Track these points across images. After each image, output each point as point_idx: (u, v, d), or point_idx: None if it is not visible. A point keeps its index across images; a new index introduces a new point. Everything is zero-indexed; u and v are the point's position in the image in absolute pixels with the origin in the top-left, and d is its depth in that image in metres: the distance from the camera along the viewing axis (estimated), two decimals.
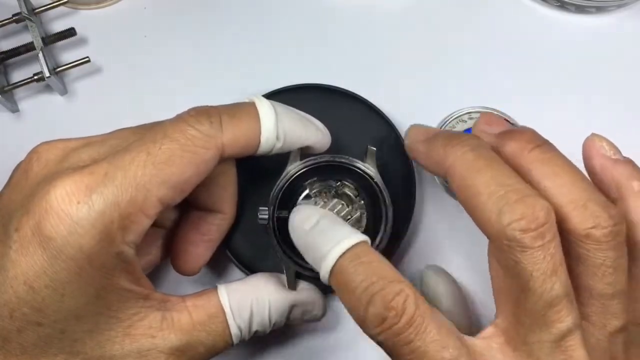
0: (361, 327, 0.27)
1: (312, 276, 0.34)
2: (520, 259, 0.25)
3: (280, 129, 0.31)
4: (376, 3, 0.44)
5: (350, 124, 0.38)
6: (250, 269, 0.37)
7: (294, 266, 0.34)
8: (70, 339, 0.27)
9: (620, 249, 0.26)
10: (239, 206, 0.36)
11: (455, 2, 0.44)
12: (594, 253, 0.26)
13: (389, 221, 0.35)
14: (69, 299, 0.26)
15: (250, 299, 0.31)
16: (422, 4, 0.44)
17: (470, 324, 0.34)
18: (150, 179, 0.27)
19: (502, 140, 0.29)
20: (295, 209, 0.32)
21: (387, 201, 0.35)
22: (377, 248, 0.35)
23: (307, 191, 0.36)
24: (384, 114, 0.39)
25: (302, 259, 0.34)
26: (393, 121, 0.39)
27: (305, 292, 0.34)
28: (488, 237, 0.27)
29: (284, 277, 0.34)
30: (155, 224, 0.31)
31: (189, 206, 0.34)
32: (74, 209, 0.26)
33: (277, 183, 0.35)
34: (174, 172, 0.27)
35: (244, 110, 0.30)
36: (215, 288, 0.31)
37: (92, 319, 0.27)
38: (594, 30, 0.44)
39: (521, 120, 0.41)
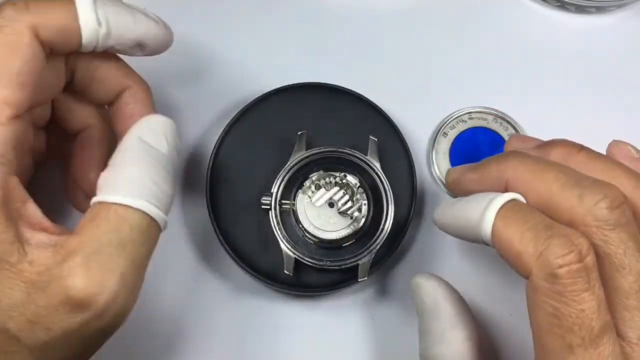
0: (532, 264, 0.25)
1: (311, 264, 0.35)
2: (610, 238, 0.25)
3: (102, 13, 0.29)
4: (376, 3, 0.44)
5: (352, 124, 0.39)
6: (249, 265, 0.37)
7: (294, 254, 0.35)
8: None
9: None
10: (238, 201, 0.36)
11: (455, 2, 0.44)
12: None
13: (391, 212, 0.36)
14: None
15: (111, 172, 0.28)
16: (422, 4, 0.44)
17: (479, 333, 0.33)
18: None
19: (547, 149, 0.31)
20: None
21: (388, 192, 0.36)
22: (379, 240, 0.35)
23: (309, 181, 0.36)
24: (385, 113, 0.39)
25: (302, 247, 0.35)
26: (394, 120, 0.39)
27: (135, 125, 0.31)
28: (572, 225, 0.26)
29: None
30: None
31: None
32: None
33: (281, 172, 0.36)
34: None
35: None
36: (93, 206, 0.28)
37: None
38: (594, 30, 0.44)
39: (521, 120, 0.41)
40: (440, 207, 0.32)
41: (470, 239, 0.29)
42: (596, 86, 0.43)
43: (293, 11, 0.44)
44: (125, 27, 0.30)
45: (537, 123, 0.41)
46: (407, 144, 0.39)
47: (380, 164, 0.36)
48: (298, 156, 0.36)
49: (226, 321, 0.38)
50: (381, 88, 0.42)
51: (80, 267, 0.26)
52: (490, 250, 0.28)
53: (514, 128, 0.41)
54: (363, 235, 0.36)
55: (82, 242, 0.26)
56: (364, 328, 0.38)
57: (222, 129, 0.39)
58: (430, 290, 0.32)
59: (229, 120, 0.39)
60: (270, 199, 0.36)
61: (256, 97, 0.39)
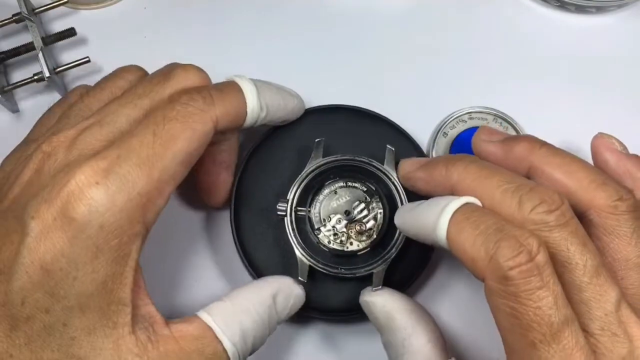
0: (484, 268, 0.26)
1: (325, 271, 0.35)
2: (550, 238, 0.26)
3: (262, 99, 0.34)
4: (375, 5, 0.44)
5: (369, 141, 0.38)
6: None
7: (308, 261, 0.35)
8: (69, 335, 0.27)
9: None
10: (262, 226, 0.37)
11: (455, 3, 0.44)
12: (624, 222, 0.28)
13: None
14: (80, 283, 0.27)
15: (232, 309, 0.31)
16: (421, 4, 0.44)
17: (444, 345, 0.33)
18: (160, 158, 0.29)
19: (511, 143, 0.32)
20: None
21: (404, 201, 0.36)
22: (394, 249, 0.35)
23: (326, 189, 0.36)
24: (404, 130, 0.39)
25: (316, 254, 0.35)
26: (394, 121, 0.39)
27: (276, 278, 0.34)
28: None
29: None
30: None
31: None
32: (94, 189, 0.27)
33: (297, 179, 0.36)
34: (180, 149, 0.29)
35: (229, 86, 0.33)
36: (195, 315, 0.31)
37: (93, 314, 0.27)
38: (594, 30, 0.44)
39: (521, 120, 0.41)
40: (400, 212, 0.34)
41: (430, 243, 0.30)
42: (596, 86, 0.43)
43: (287, 7, 0.44)
44: (278, 108, 0.36)
45: (537, 123, 0.41)
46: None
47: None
48: (315, 163, 0.36)
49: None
50: (380, 88, 0.42)
51: None
52: None
53: (514, 128, 0.41)
54: (378, 244, 0.36)
55: (176, 354, 0.29)
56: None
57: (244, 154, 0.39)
58: (380, 306, 0.34)
59: (249, 147, 0.39)
60: (286, 205, 0.36)
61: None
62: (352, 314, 0.36)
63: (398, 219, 0.33)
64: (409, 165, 0.35)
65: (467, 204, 0.28)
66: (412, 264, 0.37)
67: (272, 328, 0.33)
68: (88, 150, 0.29)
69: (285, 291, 0.34)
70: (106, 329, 0.28)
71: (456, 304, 0.39)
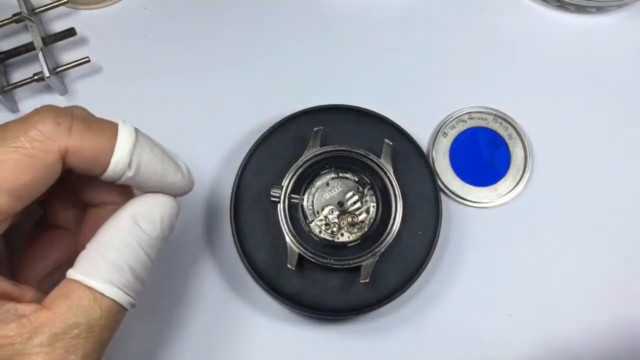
0: None
1: (314, 260, 0.35)
2: None
3: (136, 156, 0.29)
4: (375, 4, 0.44)
5: (369, 141, 0.38)
6: (269, 284, 0.37)
7: (298, 249, 0.35)
8: None
9: None
10: (263, 225, 0.37)
11: (455, 3, 0.44)
12: None
13: (399, 216, 0.36)
14: None
15: (93, 252, 0.28)
16: (421, 4, 0.44)
17: None
18: None
19: None
20: None
21: (398, 196, 0.36)
22: (384, 243, 0.35)
23: (322, 178, 0.37)
24: (404, 130, 0.39)
25: (306, 243, 0.35)
26: (394, 121, 0.39)
27: (134, 199, 0.30)
28: None
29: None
30: (56, 225, 0.31)
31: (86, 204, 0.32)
32: None
33: (293, 166, 0.36)
34: (7, 178, 0.26)
35: (103, 125, 0.28)
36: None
37: None
38: (594, 30, 0.44)
39: (521, 120, 0.41)
40: None
41: None
42: (596, 86, 0.43)
43: (283, 7, 0.44)
44: (153, 175, 0.30)
45: (537, 123, 0.41)
46: (430, 164, 0.39)
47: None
48: (312, 152, 0.36)
49: (253, 345, 0.38)
50: (380, 89, 0.42)
51: (45, 347, 0.26)
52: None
53: (514, 128, 0.41)
54: (369, 237, 0.36)
55: (51, 320, 0.26)
56: (383, 352, 0.38)
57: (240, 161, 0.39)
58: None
59: (245, 152, 0.39)
60: (280, 191, 0.36)
61: (269, 126, 0.39)
62: (344, 314, 0.37)
63: None
64: None
65: None
66: (406, 269, 0.37)
67: (149, 249, 0.30)
68: None
69: (147, 205, 0.30)
70: None
71: (450, 308, 0.39)
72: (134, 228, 0.29)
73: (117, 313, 0.28)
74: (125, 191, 0.32)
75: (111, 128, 0.29)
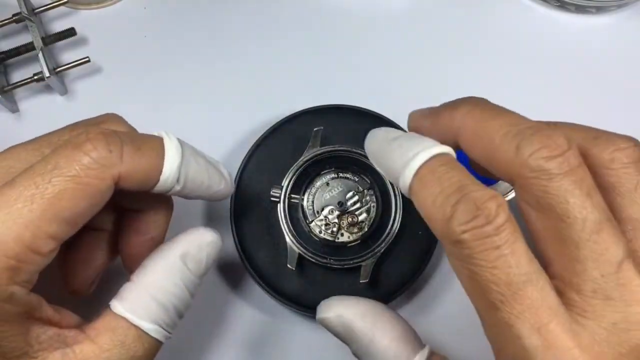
0: (440, 230, 0.24)
1: (314, 260, 0.35)
2: (549, 188, 0.24)
3: (183, 173, 0.29)
4: (375, 4, 0.44)
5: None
6: (269, 284, 0.37)
7: (298, 249, 0.35)
8: None
9: None
10: (263, 226, 0.37)
11: (455, 3, 0.45)
12: (625, 178, 0.25)
13: (399, 217, 0.36)
14: None
15: (141, 289, 0.29)
16: (421, 5, 0.44)
17: (411, 337, 0.32)
18: (38, 216, 0.25)
19: (437, 111, 0.30)
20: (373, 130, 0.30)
21: (397, 196, 0.36)
22: (384, 243, 0.35)
23: (322, 178, 0.37)
24: (404, 130, 0.39)
25: (306, 243, 0.35)
26: (394, 121, 0.39)
27: (181, 235, 0.31)
28: (512, 179, 0.25)
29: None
30: (94, 228, 0.32)
31: (122, 208, 0.33)
32: None
33: (293, 166, 0.36)
34: (65, 207, 0.26)
35: (150, 144, 0.29)
36: (108, 306, 0.29)
37: None
38: (594, 30, 0.44)
39: None
40: (372, 139, 0.30)
41: (395, 184, 0.28)
42: (596, 86, 0.43)
43: (283, 5, 0.44)
44: (200, 185, 0.30)
45: None
46: None
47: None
48: (312, 152, 0.36)
49: (253, 345, 0.38)
50: (379, 89, 0.42)
51: None
52: None
53: None
54: (369, 237, 0.36)
55: (97, 354, 0.27)
56: None
57: (241, 160, 0.39)
58: (335, 321, 0.32)
59: (246, 152, 0.39)
60: (280, 191, 0.36)
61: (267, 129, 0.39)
62: None
63: (368, 147, 0.30)
64: (416, 114, 0.31)
65: (438, 155, 0.26)
66: (406, 268, 0.37)
67: (193, 288, 0.31)
68: None
69: (195, 245, 0.31)
70: None
71: (452, 308, 0.39)
72: (182, 269, 0.30)
73: (155, 349, 0.29)
74: (164, 197, 0.32)
75: (158, 145, 0.29)
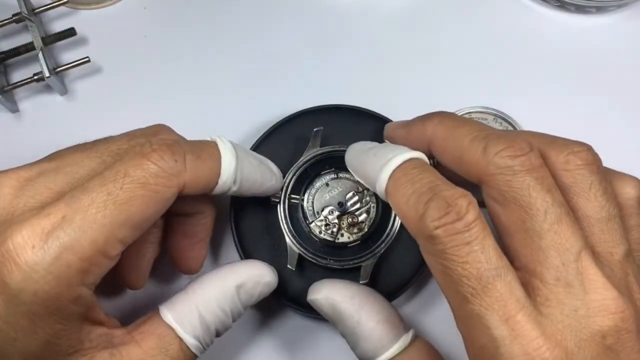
0: (414, 227, 0.26)
1: (314, 261, 0.35)
2: (513, 182, 0.26)
3: (239, 173, 0.31)
4: (375, 4, 0.44)
5: (367, 139, 0.38)
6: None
7: (298, 250, 0.35)
8: None
9: (600, 173, 0.28)
10: (264, 226, 0.37)
11: (455, 3, 0.45)
12: (580, 179, 0.27)
13: (398, 218, 0.36)
14: (20, 343, 0.26)
15: (193, 304, 0.31)
16: (421, 4, 0.44)
17: (397, 321, 0.33)
18: (111, 221, 0.26)
19: (411, 123, 0.33)
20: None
21: None
22: (384, 244, 0.35)
23: (321, 179, 0.37)
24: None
25: (306, 244, 0.35)
26: (394, 121, 0.39)
27: (244, 266, 0.33)
28: (479, 178, 0.28)
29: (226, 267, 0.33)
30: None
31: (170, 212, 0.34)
32: (29, 254, 0.25)
33: (293, 166, 0.36)
34: (135, 212, 0.27)
35: (207, 151, 0.31)
36: (157, 310, 0.31)
37: None
38: (594, 30, 0.44)
39: (521, 120, 0.41)
40: (351, 152, 0.33)
41: (372, 189, 0.30)
42: (596, 86, 0.43)
43: (288, 11, 0.44)
44: (254, 183, 0.33)
45: (537, 123, 0.41)
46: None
47: None
48: (312, 152, 0.36)
49: (253, 345, 0.38)
50: (379, 89, 0.42)
51: None
52: None
53: (514, 128, 0.41)
54: (369, 238, 0.36)
55: (141, 358, 0.29)
56: None
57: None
58: (324, 301, 0.33)
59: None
60: (280, 192, 0.36)
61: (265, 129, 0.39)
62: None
63: (347, 159, 0.33)
64: (390, 128, 0.35)
65: (411, 159, 0.28)
66: (406, 268, 0.37)
67: (237, 316, 0.32)
68: (35, 201, 0.27)
69: (253, 280, 0.32)
70: None
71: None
72: (234, 298, 0.31)
73: None
74: (212, 200, 0.35)
75: (215, 151, 0.31)
